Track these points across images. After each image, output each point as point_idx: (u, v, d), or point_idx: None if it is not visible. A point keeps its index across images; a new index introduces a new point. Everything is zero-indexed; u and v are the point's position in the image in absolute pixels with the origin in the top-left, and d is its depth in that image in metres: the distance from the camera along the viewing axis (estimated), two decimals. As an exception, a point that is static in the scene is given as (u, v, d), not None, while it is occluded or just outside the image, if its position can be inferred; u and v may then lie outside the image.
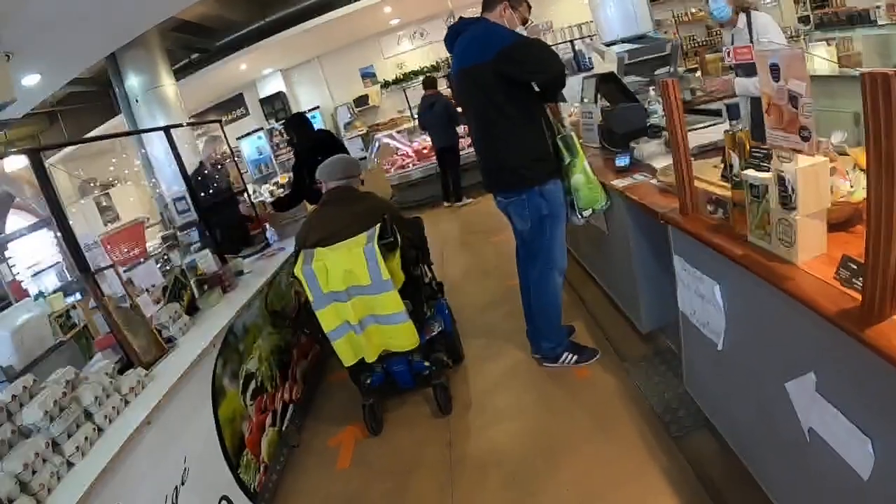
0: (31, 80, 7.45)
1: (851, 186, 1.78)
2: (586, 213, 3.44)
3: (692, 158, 2.29)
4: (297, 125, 5.71)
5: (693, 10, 12.99)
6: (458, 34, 3.35)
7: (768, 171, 1.68)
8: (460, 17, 3.49)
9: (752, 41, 3.91)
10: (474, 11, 3.49)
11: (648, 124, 3.69)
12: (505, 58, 3.11)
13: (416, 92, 13.06)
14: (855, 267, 1.45)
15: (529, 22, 3.47)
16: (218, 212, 4.88)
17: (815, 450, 1.70)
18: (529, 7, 3.47)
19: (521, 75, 3.15)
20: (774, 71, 1.48)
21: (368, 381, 3.67)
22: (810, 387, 1.65)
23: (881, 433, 1.42)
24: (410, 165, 10.23)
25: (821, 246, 1.68)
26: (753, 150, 1.77)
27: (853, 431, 1.49)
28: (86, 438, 2.20)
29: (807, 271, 1.63)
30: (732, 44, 4.02)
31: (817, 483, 1.79)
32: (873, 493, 1.49)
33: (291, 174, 6.19)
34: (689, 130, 2.35)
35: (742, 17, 3.95)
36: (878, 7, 5.38)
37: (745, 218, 1.87)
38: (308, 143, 5.43)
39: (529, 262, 3.68)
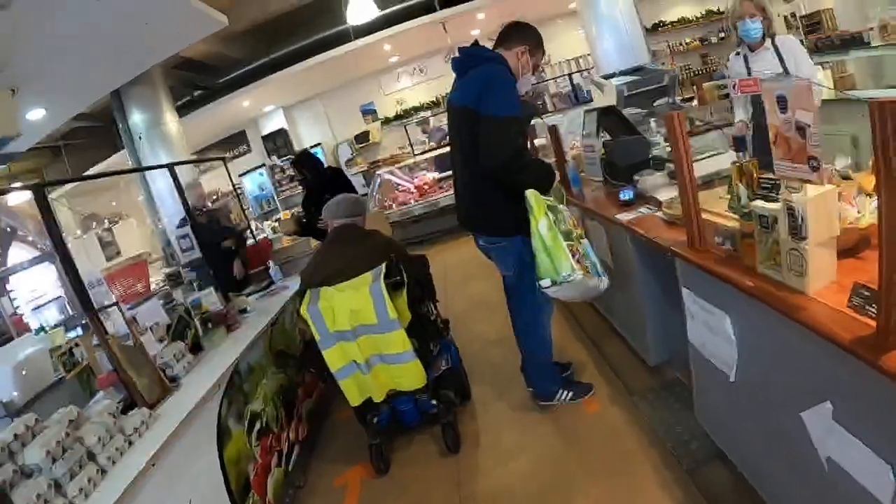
0: (35, 114, 7.52)
1: (859, 212, 1.78)
2: (544, 285, 3.06)
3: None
4: (310, 163, 5.79)
5: (688, 40, 13.15)
6: (468, 67, 3.32)
7: (777, 201, 1.68)
8: (475, 42, 3.46)
9: (783, 63, 3.97)
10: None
11: (651, 156, 3.70)
12: (475, 119, 3.12)
13: (416, 128, 13.19)
14: (867, 294, 1.45)
15: (540, 70, 3.46)
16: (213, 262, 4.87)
17: (834, 479, 1.68)
18: (544, 53, 3.47)
19: (469, 141, 3.17)
20: (781, 102, 1.49)
21: (375, 421, 3.63)
22: (827, 416, 1.63)
23: (902, 458, 1.40)
24: (412, 201, 10.27)
25: (831, 274, 1.68)
26: (761, 180, 1.78)
27: (873, 459, 1.47)
28: (89, 480, 2.17)
29: (819, 300, 1.63)
30: (748, 66, 4.07)
31: (838, 514, 1.76)
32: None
33: (301, 209, 6.24)
34: (693, 161, 2.35)
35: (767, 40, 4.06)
36: (870, 29, 5.44)
37: (754, 249, 1.87)
38: (322, 179, 5.50)
39: (514, 307, 3.68)
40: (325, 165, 6.15)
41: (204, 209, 5.71)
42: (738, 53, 4.31)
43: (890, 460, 1.43)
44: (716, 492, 2.59)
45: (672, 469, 2.83)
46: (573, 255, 3.02)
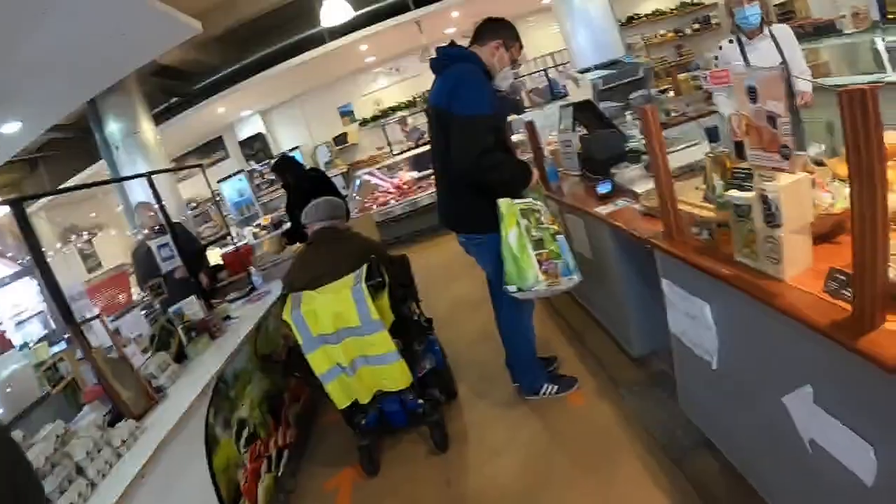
0: (10, 128, 7.45)
1: (833, 198, 1.80)
2: (510, 290, 3.18)
3: (673, 181, 2.32)
4: (291, 167, 5.78)
5: (662, 32, 13.22)
6: (443, 66, 3.33)
7: (751, 190, 1.70)
8: (451, 41, 3.45)
9: (780, 52, 3.97)
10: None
11: (627, 149, 3.73)
12: (448, 119, 3.14)
13: (394, 128, 13.16)
14: (843, 278, 1.47)
15: (518, 64, 3.45)
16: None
17: (817, 460, 1.71)
18: (521, 47, 3.47)
19: (445, 140, 3.19)
20: (752, 93, 1.51)
21: (363, 422, 3.62)
22: (808, 399, 1.66)
23: (882, 439, 1.43)
24: (392, 201, 10.26)
25: (807, 260, 1.70)
26: (735, 170, 1.80)
27: (854, 439, 1.50)
28: (79, 495, 2.16)
29: (795, 286, 1.65)
30: (745, 55, 4.06)
31: (822, 493, 1.79)
32: (878, 498, 1.50)
33: (286, 211, 6.22)
34: (668, 152, 2.37)
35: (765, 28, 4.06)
36: (842, 17, 5.49)
37: (731, 238, 1.89)
38: (305, 183, 5.49)
39: (496, 303, 3.71)
40: (307, 167, 6.14)
41: (156, 229, 5.40)
42: (731, 41, 4.26)
43: (871, 440, 1.45)
44: (704, 479, 2.62)
45: (659, 459, 2.86)
46: (541, 265, 3.10)
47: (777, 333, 1.75)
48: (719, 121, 3.89)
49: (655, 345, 3.53)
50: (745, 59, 4.10)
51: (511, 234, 3.10)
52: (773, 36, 4.06)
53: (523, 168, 3.32)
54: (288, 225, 6.26)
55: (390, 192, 10.58)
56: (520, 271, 3.09)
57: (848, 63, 5.84)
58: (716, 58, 4.51)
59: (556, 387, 3.72)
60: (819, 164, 2.05)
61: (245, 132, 14.80)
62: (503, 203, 3.13)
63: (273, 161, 6.82)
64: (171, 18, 6.29)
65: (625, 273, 3.42)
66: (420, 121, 12.59)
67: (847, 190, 1.76)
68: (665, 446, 2.91)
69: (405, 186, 10.49)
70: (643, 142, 3.58)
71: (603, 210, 3.25)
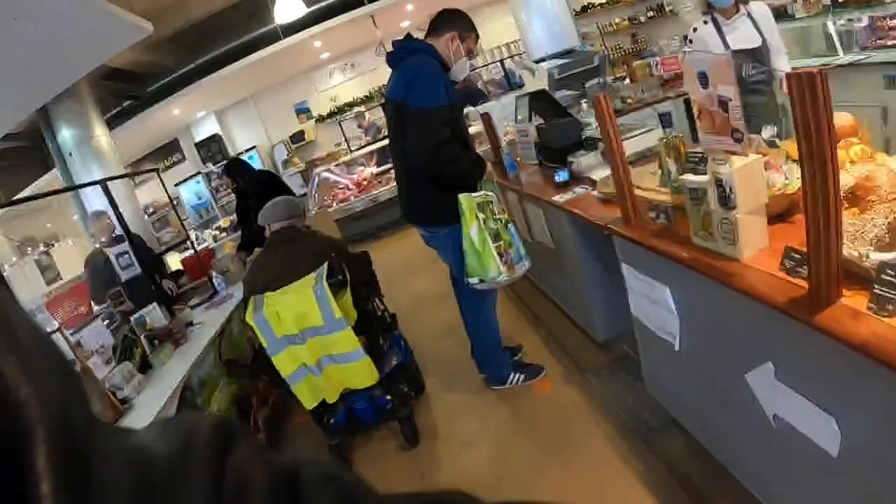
0: (-41, 140, 7.22)
1: (786, 178, 1.83)
2: (472, 282, 3.25)
3: (630, 167, 2.35)
4: (242, 170, 5.68)
5: (617, 20, 13.29)
6: (399, 60, 3.31)
7: (705, 174, 1.73)
8: (407, 35, 3.43)
9: (759, 32, 3.89)
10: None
11: (584, 137, 3.75)
12: (405, 112, 3.14)
13: (351, 124, 13.05)
14: (798, 257, 1.50)
15: (474, 55, 3.44)
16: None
17: (782, 435, 1.74)
18: (477, 38, 3.45)
19: (402, 134, 3.19)
20: (702, 78, 1.53)
21: (332, 422, 3.59)
22: (769, 375, 1.69)
23: (844, 410, 1.47)
24: (352, 198, 10.18)
25: (763, 240, 1.73)
26: (689, 154, 1.82)
27: (817, 412, 1.53)
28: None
29: (753, 266, 1.68)
30: (722, 36, 3.94)
31: (789, 466, 1.83)
32: (843, 467, 1.54)
33: (236, 217, 6.09)
34: (624, 139, 2.40)
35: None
36: (794, 1, 5.57)
37: (687, 221, 1.91)
38: (256, 186, 5.40)
39: (460, 295, 3.73)
40: (258, 169, 6.05)
41: (114, 237, 5.24)
42: (706, 22, 4.06)
43: (833, 412, 1.49)
44: (674, 459, 2.66)
45: (629, 441, 2.89)
46: (501, 257, 3.15)
47: (737, 313, 1.79)
48: (672, 107, 3.87)
49: (619, 329, 3.56)
50: (724, 40, 3.96)
51: (472, 230, 3.13)
52: (750, 15, 3.92)
53: (478, 161, 3.33)
54: (238, 234, 6.11)
55: (349, 189, 10.50)
56: (482, 265, 3.14)
57: (800, 47, 5.94)
58: (689, 41, 4.26)
59: (522, 375, 3.74)
60: (772, 145, 2.08)
61: (201, 133, 14.56)
62: (463, 199, 3.14)
63: (223, 165, 6.69)
64: (121, 20, 6.13)
65: (585, 259, 3.45)
66: (377, 115, 12.52)
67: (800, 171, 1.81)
68: (633, 428, 2.95)
69: (364, 182, 10.42)
70: (599, 129, 3.63)
71: (561, 198, 3.27)
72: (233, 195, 6.49)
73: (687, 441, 2.65)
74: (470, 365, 3.93)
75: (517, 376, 3.74)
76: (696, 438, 2.55)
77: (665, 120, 2.17)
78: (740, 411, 1.98)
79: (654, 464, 2.68)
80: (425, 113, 3.08)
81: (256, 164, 12.75)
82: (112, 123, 10.08)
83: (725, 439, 2.29)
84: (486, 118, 4.32)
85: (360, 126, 12.51)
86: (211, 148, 14.43)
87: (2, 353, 0.26)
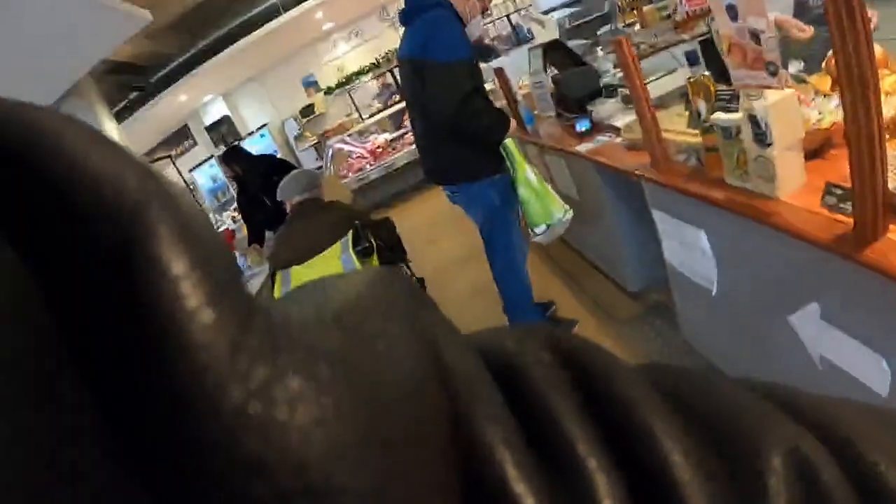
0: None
1: (819, 113, 1.77)
2: (539, 231, 3.20)
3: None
4: (240, 157, 5.60)
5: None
6: (413, 16, 3.19)
7: (737, 111, 1.67)
8: None
9: None
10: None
11: (602, 85, 3.67)
12: (423, 67, 3.03)
13: (361, 93, 12.95)
14: (840, 192, 1.45)
15: (489, 12, 3.33)
16: None
17: (829, 377, 1.71)
18: None
19: (422, 91, 3.08)
20: (731, 11, 1.46)
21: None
22: (815, 316, 1.65)
23: (894, 348, 1.42)
24: (367, 166, 10.14)
25: (801, 177, 1.68)
26: (719, 92, 1.76)
27: (865, 352, 1.50)
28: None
29: (792, 203, 1.63)
30: None
31: (836, 409, 1.79)
32: (893, 407, 1.50)
33: (238, 211, 6.03)
34: (645, 83, 2.33)
35: None
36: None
37: (720, 162, 1.86)
38: (260, 167, 5.36)
39: (490, 252, 3.64)
40: (258, 154, 5.99)
41: None
42: None
43: (882, 351, 1.45)
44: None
45: (668, 390, 2.87)
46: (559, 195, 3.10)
47: (777, 253, 1.74)
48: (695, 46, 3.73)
49: (650, 278, 3.51)
50: None
51: (528, 173, 3.08)
52: None
53: (503, 116, 3.25)
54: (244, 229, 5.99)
55: (364, 158, 10.45)
56: (545, 207, 3.09)
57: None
58: None
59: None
60: (801, 82, 2.01)
61: (210, 117, 14.52)
62: (509, 143, 3.09)
63: (220, 155, 6.60)
64: (119, 11, 6.08)
65: (613, 209, 3.38)
66: (387, 81, 12.41)
67: (833, 104, 1.75)
68: (673, 378, 2.93)
69: (379, 150, 10.36)
70: (617, 76, 3.54)
71: (584, 147, 3.19)
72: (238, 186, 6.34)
73: (727, 387, 2.62)
74: (503, 322, 3.91)
75: None
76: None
77: (691, 58, 2.08)
78: (783, 354, 1.94)
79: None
80: (448, 66, 2.98)
81: (268, 142, 12.75)
82: (120, 117, 10.07)
83: (767, 383, 2.26)
84: (500, 73, 4.22)
85: (379, 86, 12.39)
86: (221, 130, 14.38)
87: None
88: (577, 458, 0.23)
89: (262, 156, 6.14)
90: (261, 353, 0.18)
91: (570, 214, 3.16)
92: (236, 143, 10.71)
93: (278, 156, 10.73)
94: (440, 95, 2.99)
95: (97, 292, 0.17)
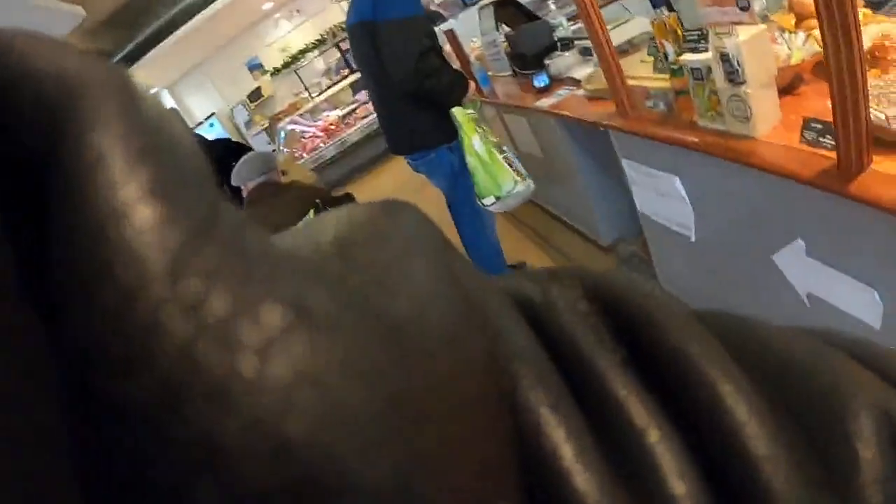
0: None
1: (789, 49, 1.73)
2: (487, 202, 3.05)
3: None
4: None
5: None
6: None
7: (706, 51, 1.62)
8: None
9: None
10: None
11: (557, 38, 3.59)
12: (374, 29, 2.88)
13: (309, 71, 12.72)
14: (820, 127, 1.41)
15: None
16: None
17: (818, 314, 1.69)
18: None
19: (376, 57, 2.94)
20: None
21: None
22: (800, 253, 1.62)
23: (884, 280, 1.41)
24: (322, 145, 10.00)
25: (776, 115, 1.64)
26: (686, 33, 1.71)
27: (856, 285, 1.47)
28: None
29: (770, 142, 1.59)
30: None
31: (828, 346, 1.78)
32: (888, 340, 1.48)
33: None
34: (605, 31, 2.27)
35: None
36: None
37: (691, 105, 1.81)
38: (216, 152, 5.20)
39: (457, 219, 3.56)
40: (214, 139, 5.84)
41: None
42: None
43: (873, 283, 1.43)
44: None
45: (650, 340, 2.85)
46: (510, 165, 2.96)
47: (757, 193, 1.70)
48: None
49: (623, 230, 3.48)
50: None
51: (475, 142, 2.93)
52: None
53: (462, 76, 3.14)
54: None
55: (318, 136, 10.30)
56: (494, 178, 2.95)
57: None
58: None
59: None
60: (764, 19, 1.97)
61: (156, 109, 14.17)
62: (457, 112, 2.95)
63: None
64: (52, 10, 5.83)
65: (579, 163, 3.32)
66: (333, 57, 12.21)
67: (800, 41, 1.71)
68: (653, 327, 2.91)
69: (332, 127, 10.22)
70: (572, 28, 3.47)
71: (545, 103, 3.12)
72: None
73: (710, 332, 2.61)
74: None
75: None
76: (720, 328, 2.51)
77: (655, 0, 2.03)
78: (769, 295, 1.92)
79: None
80: (402, 23, 2.83)
81: (218, 131, 12.48)
82: (63, 123, 9.78)
83: (755, 326, 2.24)
84: (451, 35, 4.12)
85: (326, 68, 12.23)
86: (169, 123, 14.05)
87: None
88: (634, 431, 0.19)
89: (217, 140, 5.97)
90: (222, 271, 0.13)
91: (522, 187, 2.99)
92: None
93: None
94: (397, 53, 2.84)
95: (22, 182, 0.14)
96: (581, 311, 0.22)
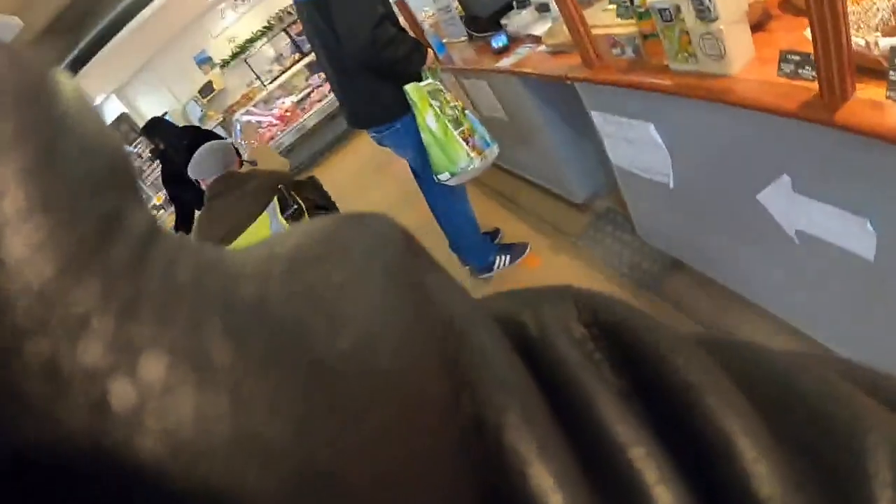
0: None
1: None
2: (443, 178, 3.03)
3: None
4: (161, 129, 5.28)
5: None
6: None
7: (674, -10, 1.56)
8: None
9: None
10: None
11: (510, -3, 3.51)
12: (323, 4, 2.76)
13: (259, 60, 12.47)
14: (798, 58, 1.37)
15: None
16: None
17: (809, 250, 1.66)
18: None
19: (330, 32, 2.85)
20: None
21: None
22: (786, 189, 1.59)
23: (875, 207, 1.37)
24: (279, 133, 9.88)
25: (750, 50, 1.59)
26: (652, -26, 1.65)
27: (846, 217, 1.44)
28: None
29: (746, 78, 1.54)
30: None
31: (821, 282, 1.75)
32: (883, 270, 1.46)
33: (165, 190, 5.69)
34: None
35: None
36: None
37: (661, 48, 1.76)
38: (185, 139, 5.04)
39: (427, 190, 3.51)
40: (181, 126, 5.65)
41: None
42: None
43: (864, 213, 1.39)
44: (682, 297, 2.62)
45: (631, 289, 2.84)
46: (466, 142, 2.93)
47: (737, 131, 1.66)
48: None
49: (595, 185, 3.45)
50: None
51: (429, 119, 2.88)
52: None
53: (418, 44, 3.05)
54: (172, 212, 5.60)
55: (274, 125, 10.17)
56: (448, 155, 2.92)
57: None
58: None
59: (507, 256, 3.62)
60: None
61: (107, 117, 13.80)
62: (411, 88, 2.88)
63: (141, 128, 6.23)
64: (-15, 22, 5.62)
65: (546, 121, 3.25)
66: (284, 42, 11.99)
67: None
68: (635, 279, 2.89)
69: (287, 114, 10.08)
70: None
71: (505, 63, 3.04)
72: (158, 173, 6.02)
73: (695, 279, 2.59)
74: (451, 259, 3.79)
75: (503, 259, 3.62)
76: (706, 274, 2.48)
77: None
78: (755, 236, 1.90)
79: (667, 308, 2.63)
80: None
81: (174, 127, 12.25)
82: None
83: (741, 268, 2.21)
84: (402, 4, 4.02)
85: (277, 56, 12.02)
86: (121, 129, 13.67)
87: None
88: (632, 471, 0.18)
89: (187, 127, 5.77)
90: (97, 311, 0.11)
91: (478, 162, 2.96)
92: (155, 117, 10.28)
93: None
94: (352, 24, 2.73)
95: None
96: (576, 337, 0.21)
